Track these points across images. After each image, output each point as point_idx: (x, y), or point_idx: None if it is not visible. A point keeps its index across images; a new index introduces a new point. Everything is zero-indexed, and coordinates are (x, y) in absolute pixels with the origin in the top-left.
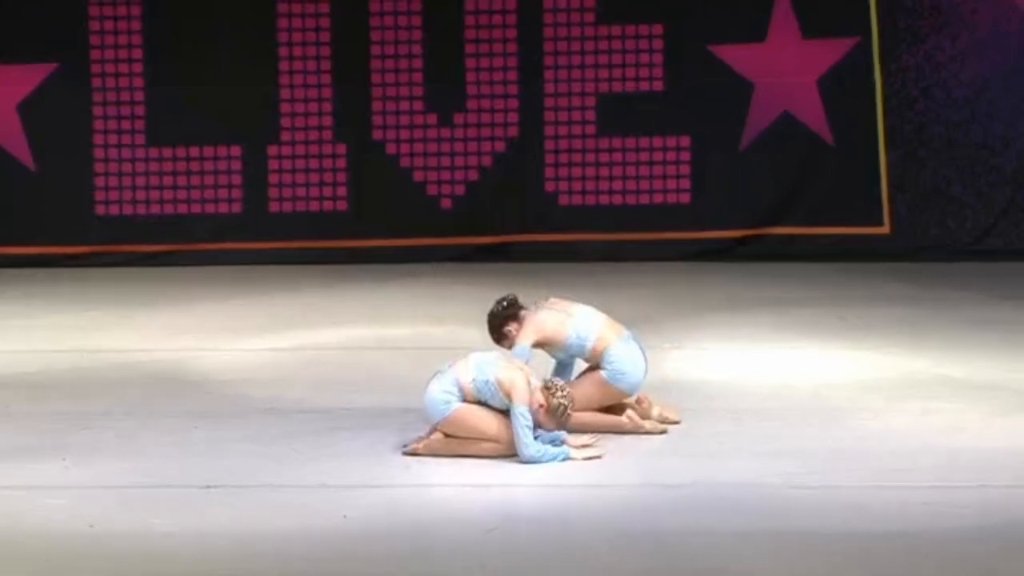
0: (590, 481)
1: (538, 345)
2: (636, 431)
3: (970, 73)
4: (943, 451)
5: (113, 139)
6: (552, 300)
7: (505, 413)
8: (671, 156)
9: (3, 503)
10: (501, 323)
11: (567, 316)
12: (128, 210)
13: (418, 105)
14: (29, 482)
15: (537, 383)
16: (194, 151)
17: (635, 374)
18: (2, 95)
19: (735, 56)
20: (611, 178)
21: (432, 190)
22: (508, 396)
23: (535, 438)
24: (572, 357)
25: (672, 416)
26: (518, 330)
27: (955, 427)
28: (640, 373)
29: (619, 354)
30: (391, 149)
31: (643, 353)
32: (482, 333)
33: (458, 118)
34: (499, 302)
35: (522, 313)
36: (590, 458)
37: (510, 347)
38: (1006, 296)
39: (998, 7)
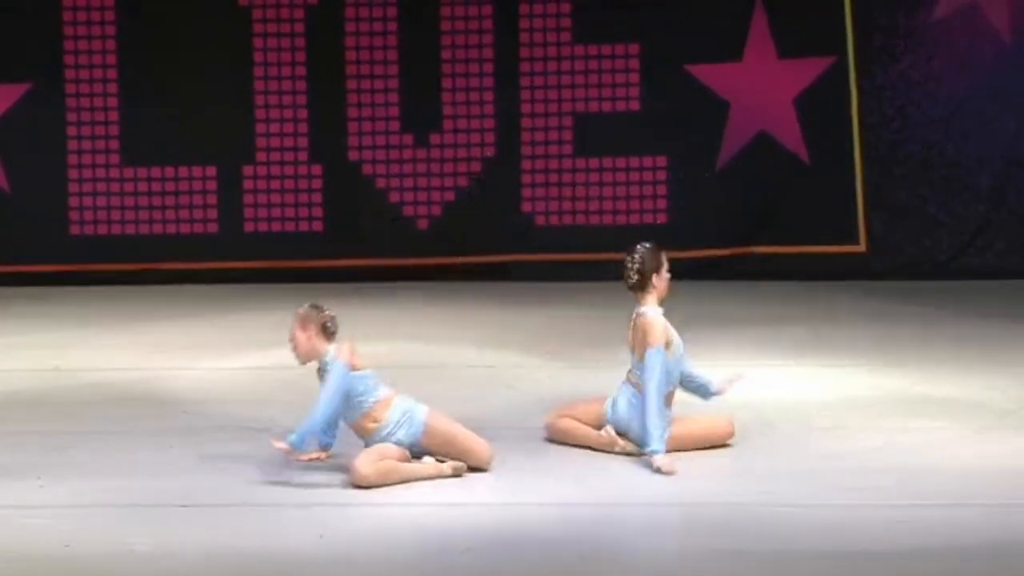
0: (565, 500)
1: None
2: (609, 448)
3: (945, 93)
4: (920, 469)
5: (88, 159)
6: None
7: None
8: (647, 176)
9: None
10: (653, 271)
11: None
12: (103, 230)
13: (394, 125)
14: (3, 501)
15: None
16: (169, 171)
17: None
18: None
19: (711, 75)
20: (588, 198)
21: (408, 210)
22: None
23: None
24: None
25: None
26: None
27: (932, 445)
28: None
29: None
30: (367, 170)
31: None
32: (459, 350)
33: (434, 138)
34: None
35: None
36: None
37: (642, 301)
38: (982, 314)
39: (973, 28)
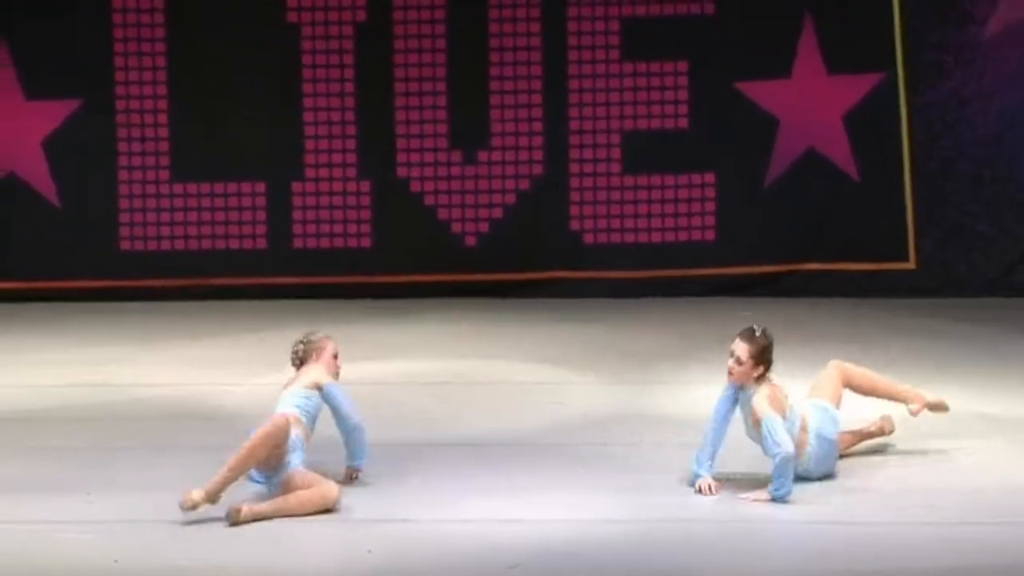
0: (612, 516)
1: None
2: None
3: (996, 109)
4: (968, 488)
5: (138, 175)
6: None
7: None
8: (696, 193)
9: (28, 538)
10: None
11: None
12: (152, 245)
13: (442, 142)
14: (53, 517)
15: None
16: (218, 187)
17: None
18: (27, 131)
19: (760, 93)
20: (636, 215)
21: (456, 227)
22: None
23: None
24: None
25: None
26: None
27: (981, 463)
28: None
29: None
30: (415, 186)
31: None
32: (507, 366)
33: (482, 155)
34: (764, 332)
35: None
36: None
37: (739, 381)
38: None
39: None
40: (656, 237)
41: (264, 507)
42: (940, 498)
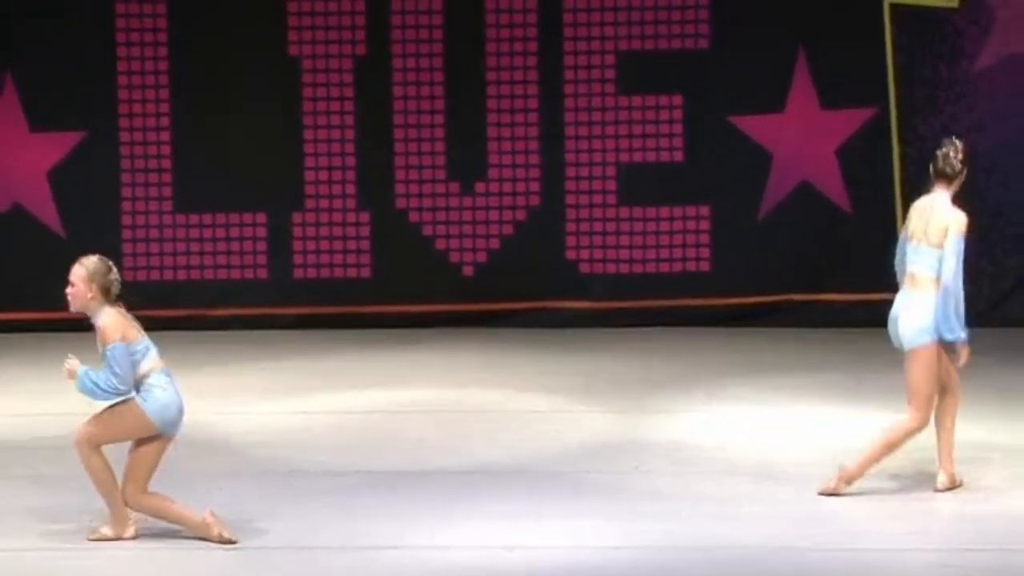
0: (609, 543)
1: None
2: None
3: (987, 143)
4: (962, 514)
5: (141, 206)
6: None
7: None
8: (691, 225)
9: (35, 562)
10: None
11: None
12: (155, 275)
13: (440, 174)
14: (57, 543)
15: None
16: (220, 218)
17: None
18: (33, 162)
19: (754, 126)
20: (631, 247)
21: (454, 258)
22: None
23: None
24: None
25: None
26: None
27: (974, 490)
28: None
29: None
30: (414, 217)
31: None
32: (504, 394)
33: (480, 187)
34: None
35: None
36: None
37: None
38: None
39: (1014, 79)
40: (651, 268)
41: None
42: (931, 523)
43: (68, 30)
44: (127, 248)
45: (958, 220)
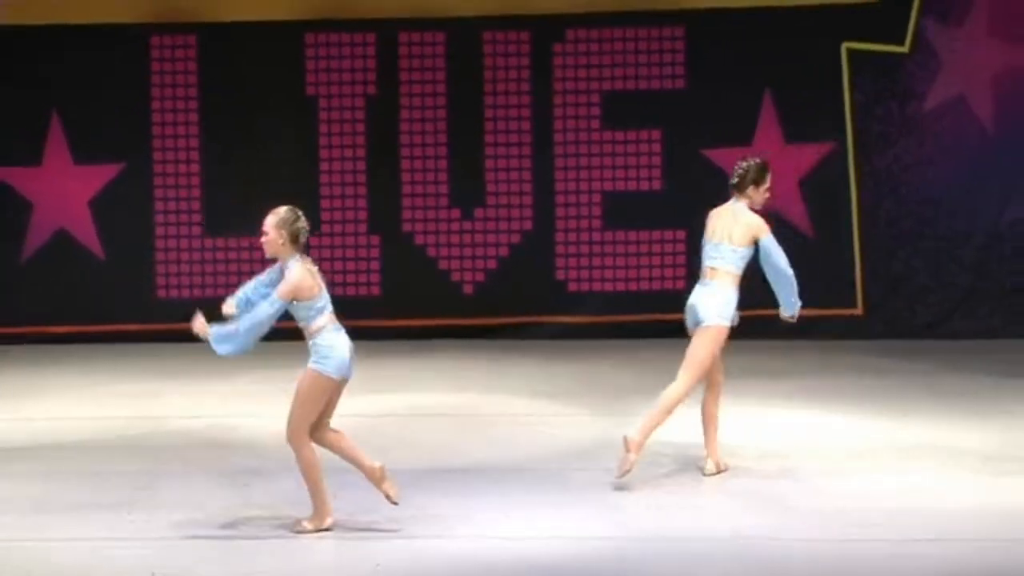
0: (598, 533)
1: None
2: None
3: (934, 175)
4: (911, 509)
5: (173, 230)
6: None
7: None
8: (668, 247)
9: (76, 553)
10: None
11: None
12: (186, 293)
13: (443, 201)
14: (98, 534)
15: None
16: (245, 241)
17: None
18: (75, 192)
19: (725, 158)
20: (615, 267)
21: (456, 277)
22: None
23: None
24: None
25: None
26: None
27: (921, 486)
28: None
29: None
30: (419, 240)
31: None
32: (502, 399)
33: (479, 212)
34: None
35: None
36: None
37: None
38: (967, 370)
39: (960, 118)
40: (632, 286)
41: None
42: (878, 517)
43: (107, 75)
44: (160, 269)
45: (763, 223)
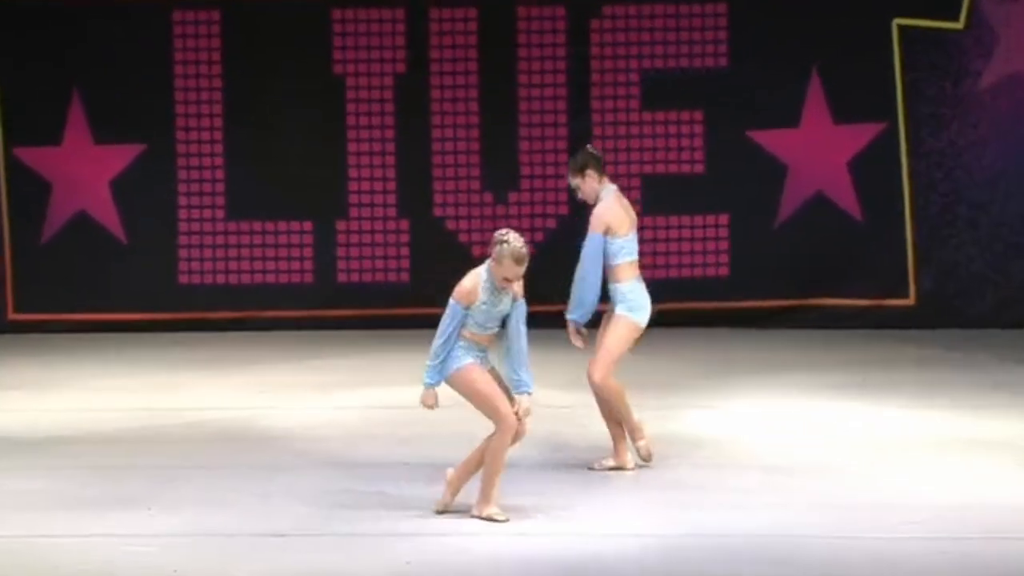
0: (626, 531)
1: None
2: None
3: (990, 157)
4: (965, 504)
5: (195, 214)
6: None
7: None
8: (711, 232)
9: (96, 549)
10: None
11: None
12: (208, 279)
13: (475, 184)
14: (119, 530)
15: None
16: (269, 225)
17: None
18: (96, 173)
19: (770, 140)
20: (655, 253)
21: None
22: None
23: None
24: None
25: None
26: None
27: (971, 481)
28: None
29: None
30: (451, 225)
31: None
32: (534, 391)
33: (512, 196)
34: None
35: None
36: None
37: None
38: (1022, 361)
39: (1017, 97)
40: (674, 273)
41: None
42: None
43: (128, 52)
44: (183, 253)
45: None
